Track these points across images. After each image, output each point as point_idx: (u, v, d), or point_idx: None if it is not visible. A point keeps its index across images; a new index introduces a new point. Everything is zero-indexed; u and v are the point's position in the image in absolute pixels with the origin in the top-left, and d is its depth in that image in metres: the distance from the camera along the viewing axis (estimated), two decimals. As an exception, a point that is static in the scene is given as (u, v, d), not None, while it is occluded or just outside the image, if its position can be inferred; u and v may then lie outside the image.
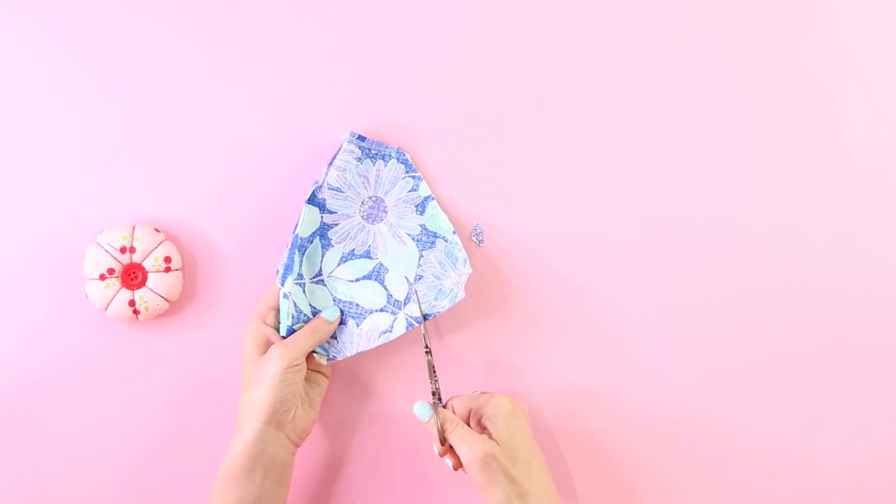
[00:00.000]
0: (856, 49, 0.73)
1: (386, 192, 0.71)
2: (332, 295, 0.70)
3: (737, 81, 0.73)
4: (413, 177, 0.71)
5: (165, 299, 0.69)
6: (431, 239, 0.71)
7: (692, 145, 0.73)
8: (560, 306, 0.72)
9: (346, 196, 0.70)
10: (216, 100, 0.70)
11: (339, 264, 0.70)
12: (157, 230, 0.69)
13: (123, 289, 0.68)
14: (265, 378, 0.63)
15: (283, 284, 0.67)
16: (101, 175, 0.70)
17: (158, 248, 0.68)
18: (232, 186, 0.71)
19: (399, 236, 0.71)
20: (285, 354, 0.64)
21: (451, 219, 0.71)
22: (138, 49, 0.70)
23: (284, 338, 0.66)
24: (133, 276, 0.68)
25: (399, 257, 0.70)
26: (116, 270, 0.67)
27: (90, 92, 0.70)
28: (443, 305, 0.69)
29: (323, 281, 0.70)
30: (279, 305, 0.67)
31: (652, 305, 0.73)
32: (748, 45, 0.73)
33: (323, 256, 0.70)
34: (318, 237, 0.70)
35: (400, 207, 0.71)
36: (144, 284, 0.68)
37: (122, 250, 0.68)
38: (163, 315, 0.70)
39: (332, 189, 0.69)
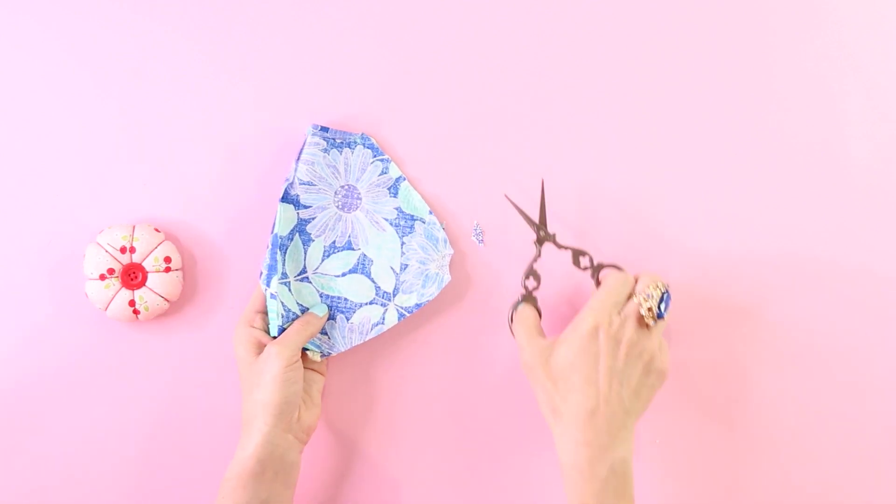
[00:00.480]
0: (856, 49, 0.73)
1: (357, 179, 0.71)
2: (318, 292, 0.70)
3: (737, 81, 0.73)
4: (381, 160, 0.70)
5: (165, 299, 0.69)
6: (409, 223, 0.70)
7: (692, 145, 0.73)
8: (560, 306, 0.72)
9: (319, 189, 0.69)
10: (216, 100, 0.70)
11: (322, 259, 0.70)
12: (157, 230, 0.69)
13: (123, 289, 0.68)
14: (267, 380, 0.63)
15: (268, 285, 0.66)
16: (101, 175, 0.70)
17: (158, 248, 0.68)
18: (232, 186, 0.71)
19: (377, 222, 0.70)
20: (282, 353, 0.63)
21: (451, 219, 0.71)
22: (138, 49, 0.70)
23: (276, 337, 0.66)
24: (133, 276, 0.68)
25: (381, 246, 0.70)
26: (116, 270, 0.67)
27: (90, 92, 0.70)
28: (431, 293, 0.69)
29: (308, 278, 0.70)
30: (267, 307, 0.67)
31: (652, 305, 0.73)
32: (748, 45, 0.73)
33: (306, 253, 0.70)
34: (297, 233, 0.69)
35: (373, 192, 0.71)
36: (144, 284, 0.68)
37: (122, 250, 0.68)
38: (163, 315, 0.70)
39: (304, 184, 0.69)
